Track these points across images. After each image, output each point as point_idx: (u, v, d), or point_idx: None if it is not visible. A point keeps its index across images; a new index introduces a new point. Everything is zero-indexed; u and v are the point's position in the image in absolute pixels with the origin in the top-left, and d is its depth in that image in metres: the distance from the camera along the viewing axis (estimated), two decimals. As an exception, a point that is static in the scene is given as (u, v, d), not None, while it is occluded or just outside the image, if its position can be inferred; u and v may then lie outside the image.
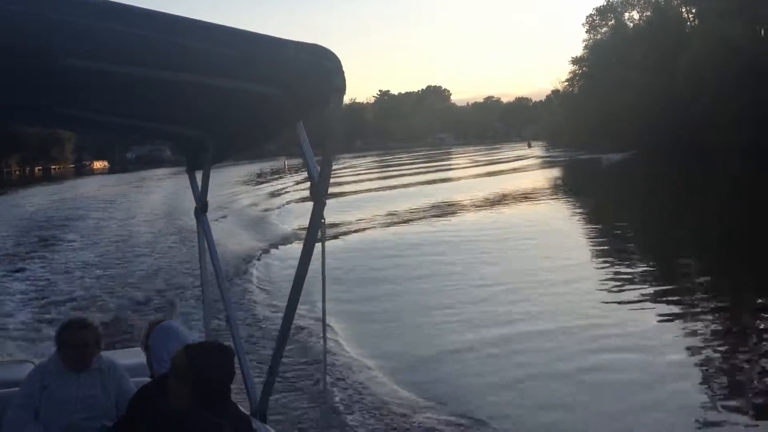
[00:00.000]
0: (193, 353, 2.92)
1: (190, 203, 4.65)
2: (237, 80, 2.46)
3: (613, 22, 77.07)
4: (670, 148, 51.92)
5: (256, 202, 33.69)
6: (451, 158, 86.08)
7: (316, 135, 2.62)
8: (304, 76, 2.33)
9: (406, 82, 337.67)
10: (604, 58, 72.59)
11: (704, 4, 52.51)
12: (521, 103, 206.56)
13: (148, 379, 3.81)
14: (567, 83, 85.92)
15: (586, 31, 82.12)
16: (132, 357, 4.83)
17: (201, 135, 3.96)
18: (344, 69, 2.31)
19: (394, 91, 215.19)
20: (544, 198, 30.02)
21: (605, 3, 79.15)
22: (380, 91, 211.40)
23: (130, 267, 16.12)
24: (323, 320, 3.52)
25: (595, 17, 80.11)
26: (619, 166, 49.87)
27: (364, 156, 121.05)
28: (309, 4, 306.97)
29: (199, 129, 3.88)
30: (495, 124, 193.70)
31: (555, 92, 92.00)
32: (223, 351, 2.99)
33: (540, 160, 65.86)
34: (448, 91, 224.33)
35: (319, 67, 2.29)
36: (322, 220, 2.72)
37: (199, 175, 4.51)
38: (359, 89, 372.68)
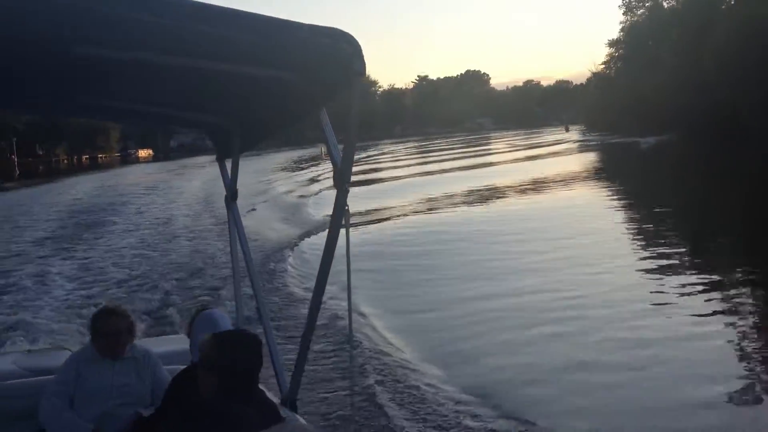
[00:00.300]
0: (219, 342, 2.92)
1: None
2: (256, 66, 2.45)
3: (650, 3, 75.25)
4: (702, 130, 50.87)
5: (293, 189, 33.95)
6: (490, 143, 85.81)
7: (341, 119, 2.53)
8: (323, 60, 2.30)
9: (444, 66, 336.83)
10: (639, 40, 71.02)
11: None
12: (561, 86, 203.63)
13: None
14: (603, 66, 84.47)
15: (623, 13, 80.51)
16: (173, 344, 4.84)
17: (227, 122, 3.95)
18: (364, 52, 2.27)
19: (433, 77, 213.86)
20: (581, 183, 29.50)
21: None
22: (419, 76, 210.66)
23: (171, 254, 16.20)
24: (349, 308, 3.83)
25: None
26: (654, 150, 49.25)
27: (403, 142, 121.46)
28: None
29: (224, 116, 3.87)
30: (534, 108, 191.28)
31: (594, 75, 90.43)
32: (251, 339, 2.98)
33: (577, 144, 65.15)
34: (488, 75, 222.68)
35: (337, 51, 2.25)
36: (346, 207, 2.70)
37: (229, 163, 4.48)
38: (398, 75, 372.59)
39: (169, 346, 4.78)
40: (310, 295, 10.39)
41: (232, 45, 2.22)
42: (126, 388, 3.81)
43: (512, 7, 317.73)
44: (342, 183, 2.60)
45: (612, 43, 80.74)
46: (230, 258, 5.03)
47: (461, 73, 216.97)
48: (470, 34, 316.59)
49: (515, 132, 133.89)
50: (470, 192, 26.68)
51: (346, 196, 2.66)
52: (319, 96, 2.66)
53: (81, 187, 40.12)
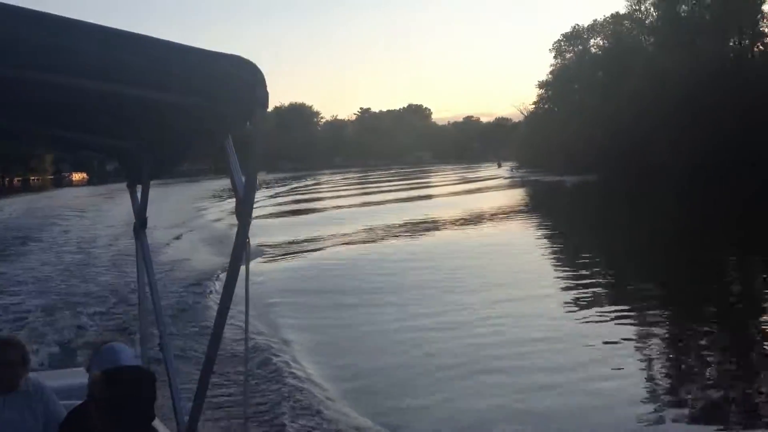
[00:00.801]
0: (108, 378, 2.92)
1: (153, 214, 4.63)
2: (158, 91, 2.41)
3: (579, 48, 79.63)
4: (621, 170, 54.43)
5: (221, 217, 34.36)
6: (426, 176, 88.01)
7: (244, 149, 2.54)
8: (225, 88, 2.27)
9: (387, 100, 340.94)
10: (566, 83, 75.07)
11: (658, 36, 55.12)
12: (500, 123, 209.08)
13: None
14: (533, 106, 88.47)
15: (554, 56, 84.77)
16: (73, 378, 4.61)
17: (135, 147, 3.85)
18: (266, 81, 2.23)
19: (376, 109, 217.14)
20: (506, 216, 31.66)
21: (571, 29, 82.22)
22: (361, 108, 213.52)
23: (88, 281, 16.13)
24: (245, 345, 3.65)
25: (562, 42, 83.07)
26: (575, 188, 52.49)
27: (341, 172, 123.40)
28: (287, 22, 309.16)
29: (132, 141, 3.77)
30: (474, 143, 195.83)
31: (522, 114, 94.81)
32: (142, 376, 3.02)
33: (500, 180, 68.08)
34: (429, 109, 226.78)
35: (239, 80, 2.21)
36: (247, 240, 2.61)
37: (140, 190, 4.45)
38: (341, 107, 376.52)
39: (68, 380, 4.62)
40: (233, 324, 10.81)
41: (134, 69, 2.19)
42: (16, 423, 3.61)
43: (457, 44, 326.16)
44: (244, 215, 2.53)
45: (541, 85, 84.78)
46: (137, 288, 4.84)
47: (404, 107, 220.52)
48: (414, 69, 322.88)
49: (453, 166, 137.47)
50: (393, 225, 27.77)
51: (248, 229, 2.57)
52: (222, 124, 2.59)
53: (7, 209, 40.25)
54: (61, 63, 2.18)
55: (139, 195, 4.43)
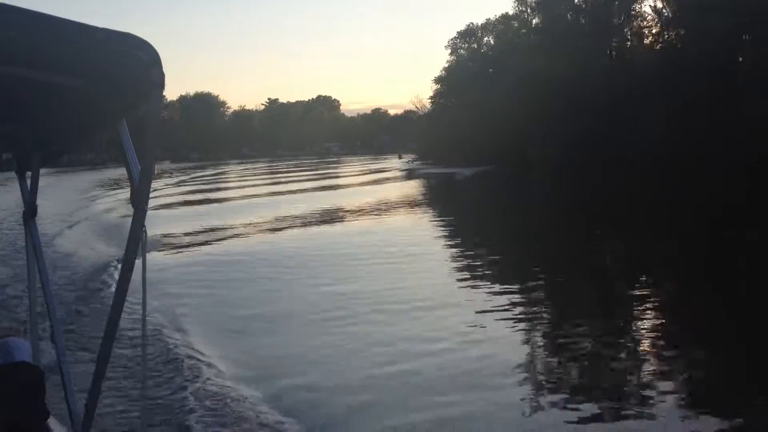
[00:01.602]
0: None
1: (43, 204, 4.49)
2: (45, 71, 2.26)
3: (475, 45, 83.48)
4: (508, 162, 58.40)
5: (115, 207, 34.66)
6: (329, 168, 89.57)
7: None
8: (117, 69, 2.15)
9: (297, 91, 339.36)
10: (460, 79, 78.64)
11: (536, 38, 59.50)
12: (408, 116, 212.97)
13: None
14: (430, 101, 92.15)
15: (449, 54, 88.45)
16: None
17: (24, 132, 3.66)
18: (162, 62, 2.10)
19: (285, 100, 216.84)
20: (398, 208, 32.95)
21: (466, 27, 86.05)
22: (269, 99, 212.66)
23: None
24: (143, 338, 3.70)
25: (457, 40, 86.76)
26: (468, 180, 55.77)
27: (248, 162, 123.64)
28: (194, 10, 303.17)
29: (20, 125, 3.55)
30: (382, 135, 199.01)
31: (417, 108, 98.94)
32: (25, 373, 3.01)
33: (401, 173, 70.40)
34: (338, 101, 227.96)
35: (133, 60, 2.08)
36: (143, 229, 2.49)
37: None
38: (249, 97, 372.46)
39: None
40: (128, 323, 9.70)
41: (18, 47, 2.01)
42: None
43: (368, 36, 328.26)
44: (139, 203, 2.41)
45: (437, 80, 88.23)
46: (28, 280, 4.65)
47: (313, 98, 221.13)
48: (325, 60, 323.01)
49: (359, 157, 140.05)
50: (292, 216, 28.20)
51: (144, 217, 2.46)
52: (115, 107, 2.49)
53: None
54: None
55: (29, 182, 4.25)
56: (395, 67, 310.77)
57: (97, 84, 2.30)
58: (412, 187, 48.30)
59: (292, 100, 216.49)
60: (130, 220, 2.46)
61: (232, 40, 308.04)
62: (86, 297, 12.83)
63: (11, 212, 25.79)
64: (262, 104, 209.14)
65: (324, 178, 61.80)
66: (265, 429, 6.92)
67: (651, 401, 7.65)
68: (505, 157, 59.17)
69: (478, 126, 63.94)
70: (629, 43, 52.11)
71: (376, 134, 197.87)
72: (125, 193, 41.86)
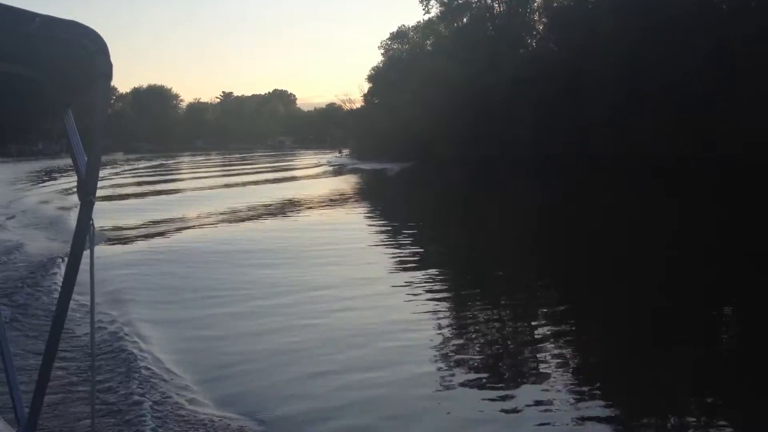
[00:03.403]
0: None
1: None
2: None
3: (407, 47, 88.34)
4: (429, 158, 63.52)
5: (51, 198, 33.90)
6: (255, 162, 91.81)
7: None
8: (62, 57, 2.11)
9: (253, 85, 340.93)
10: (383, 80, 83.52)
11: (436, 44, 65.05)
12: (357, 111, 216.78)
13: None
14: (363, 97, 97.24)
15: (382, 54, 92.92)
16: None
17: None
18: (109, 51, 2.06)
19: (241, 93, 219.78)
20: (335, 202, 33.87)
21: (397, 29, 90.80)
22: (223, 92, 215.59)
23: None
24: (92, 334, 3.41)
25: (388, 42, 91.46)
26: (397, 174, 59.44)
27: (200, 155, 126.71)
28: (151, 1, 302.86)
29: None
30: (333, 129, 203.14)
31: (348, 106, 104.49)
32: None
33: (331, 167, 73.88)
34: (294, 95, 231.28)
35: (78, 48, 2.03)
36: (91, 222, 2.41)
37: None
38: (204, 89, 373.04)
39: None
40: (76, 314, 9.70)
41: None
42: None
43: (325, 33, 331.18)
44: (87, 195, 2.34)
45: (370, 78, 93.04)
46: None
47: (269, 92, 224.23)
48: (282, 55, 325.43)
49: (311, 151, 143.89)
50: (233, 210, 28.28)
51: (91, 209, 2.38)
52: (60, 96, 2.44)
53: None
54: None
55: None
56: (356, 61, 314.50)
57: (40, 72, 2.25)
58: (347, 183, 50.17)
59: (249, 94, 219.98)
60: (68, 212, 3.78)
61: (188, 34, 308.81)
62: (30, 293, 12.34)
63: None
64: (217, 97, 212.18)
65: (256, 173, 63.26)
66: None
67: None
68: (422, 154, 64.45)
69: (399, 124, 68.92)
70: (504, 51, 57.44)
71: (329, 129, 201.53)
72: (63, 185, 42.49)
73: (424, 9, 74.45)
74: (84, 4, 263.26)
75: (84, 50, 2.04)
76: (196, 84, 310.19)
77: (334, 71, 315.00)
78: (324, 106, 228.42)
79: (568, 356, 9.34)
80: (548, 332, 10.32)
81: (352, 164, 76.53)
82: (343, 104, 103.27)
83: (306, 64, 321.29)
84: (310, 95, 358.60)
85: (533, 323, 11.19)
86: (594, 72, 43.37)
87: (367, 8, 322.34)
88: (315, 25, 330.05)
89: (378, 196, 39.93)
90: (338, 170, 66.59)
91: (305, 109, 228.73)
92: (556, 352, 9.31)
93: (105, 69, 2.06)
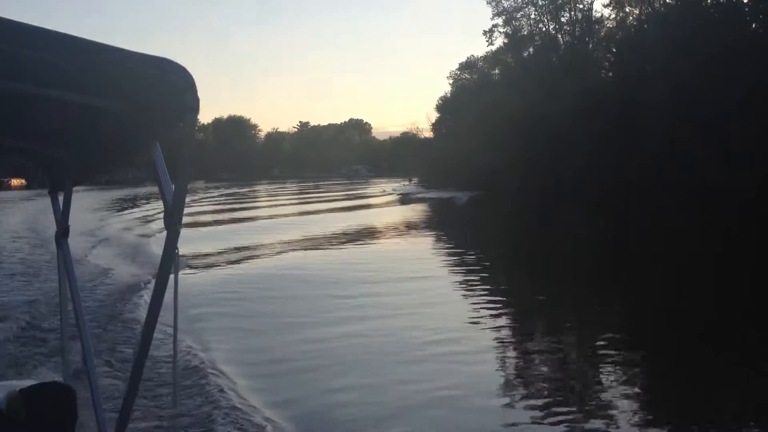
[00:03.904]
0: (29, 396, 2.94)
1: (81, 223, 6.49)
2: (80, 93, 2.28)
3: (476, 77, 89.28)
4: (498, 188, 64.02)
5: (132, 226, 35.42)
6: (343, 189, 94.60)
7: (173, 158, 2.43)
8: (153, 92, 2.20)
9: (330, 114, 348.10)
10: (456, 108, 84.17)
11: (501, 76, 66.05)
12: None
13: None
14: (432, 127, 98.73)
15: (450, 84, 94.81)
16: None
17: (58, 152, 3.71)
18: (197, 87, 2.16)
19: (318, 123, 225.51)
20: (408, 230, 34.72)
21: (466, 60, 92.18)
22: (300, 122, 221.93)
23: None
24: (174, 360, 3.44)
25: (457, 72, 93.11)
26: (466, 204, 59.83)
27: (278, 183, 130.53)
28: (231, 35, 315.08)
29: (54, 146, 3.61)
30: (407, 158, 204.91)
31: (422, 135, 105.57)
32: (59, 393, 3.09)
33: (397, 196, 74.42)
34: (370, 124, 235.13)
35: (168, 83, 2.15)
36: (176, 250, 2.53)
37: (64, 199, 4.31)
38: (282, 119, 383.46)
39: None
40: (157, 335, 13.13)
41: (54, 69, 2.07)
42: None
43: (401, 61, 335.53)
44: (173, 224, 2.43)
45: (438, 107, 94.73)
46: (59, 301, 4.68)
47: (345, 121, 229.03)
48: (358, 85, 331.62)
49: (384, 179, 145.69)
50: (316, 237, 28.91)
51: (177, 238, 2.49)
52: (150, 131, 2.53)
53: None
54: None
55: (61, 202, 4.34)
56: (432, 90, 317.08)
57: (132, 107, 2.34)
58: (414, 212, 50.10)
59: (324, 123, 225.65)
60: (148, 240, 4.30)
61: (267, 66, 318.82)
62: (116, 316, 12.87)
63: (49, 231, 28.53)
64: (294, 127, 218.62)
65: (327, 201, 63.97)
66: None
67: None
68: (485, 183, 65.08)
69: (463, 153, 70.02)
70: (564, 82, 57.43)
71: (403, 157, 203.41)
72: (143, 212, 44.94)
73: (487, 41, 75.65)
74: (172, 42, 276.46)
75: (173, 86, 2.15)
76: (274, 114, 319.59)
77: (411, 99, 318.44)
78: (399, 134, 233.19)
79: (643, 406, 8.88)
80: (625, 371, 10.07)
81: (417, 193, 77.34)
82: (417, 133, 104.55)
83: (382, 93, 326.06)
84: (386, 123, 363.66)
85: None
86: (648, 102, 43.76)
87: (443, 38, 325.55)
88: (392, 55, 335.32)
89: (450, 225, 40.47)
90: (403, 199, 67.01)
91: (380, 137, 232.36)
92: (627, 392, 9.10)
93: (193, 104, 2.18)
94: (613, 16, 62.36)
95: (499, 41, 74.58)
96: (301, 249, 25.35)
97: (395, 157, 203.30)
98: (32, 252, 23.06)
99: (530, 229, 35.94)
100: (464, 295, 16.14)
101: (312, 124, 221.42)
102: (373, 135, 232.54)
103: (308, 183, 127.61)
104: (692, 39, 41.55)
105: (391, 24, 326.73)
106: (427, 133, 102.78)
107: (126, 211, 48.90)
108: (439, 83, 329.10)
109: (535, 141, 55.26)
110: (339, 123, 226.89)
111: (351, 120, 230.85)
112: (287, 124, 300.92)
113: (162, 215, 2.43)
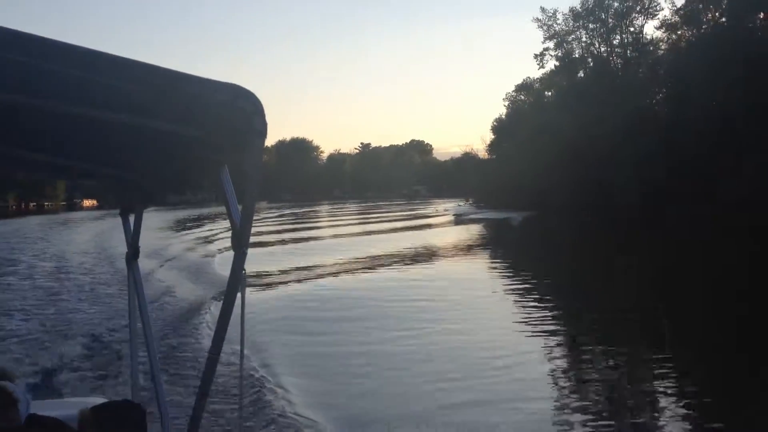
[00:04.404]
0: (100, 414, 3.05)
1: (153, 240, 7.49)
2: (152, 118, 2.37)
3: (532, 98, 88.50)
4: (552, 207, 63.79)
5: (195, 246, 35.93)
6: (401, 209, 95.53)
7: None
8: (222, 118, 2.25)
9: (391, 135, 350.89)
10: (509, 130, 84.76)
11: (554, 98, 66.06)
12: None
13: None
14: (487, 148, 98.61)
15: (505, 106, 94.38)
16: (60, 409, 4.08)
17: (129, 175, 3.85)
18: (265, 111, 2.21)
19: (378, 144, 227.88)
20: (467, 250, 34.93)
21: (522, 81, 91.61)
22: (362, 143, 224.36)
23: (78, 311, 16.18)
24: (240, 375, 3.63)
25: (513, 93, 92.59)
26: (521, 223, 59.68)
27: (339, 203, 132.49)
28: (292, 59, 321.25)
29: (125, 169, 3.76)
30: (469, 177, 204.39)
31: (476, 155, 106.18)
32: (132, 410, 3.19)
33: (452, 216, 74.15)
34: (430, 145, 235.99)
35: (237, 109, 2.19)
36: (243, 271, 2.57)
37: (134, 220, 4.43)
38: (343, 141, 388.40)
39: (55, 411, 3.87)
40: (226, 361, 9.71)
41: (129, 97, 2.19)
42: None
43: (464, 81, 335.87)
44: (240, 246, 2.49)
45: (493, 129, 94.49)
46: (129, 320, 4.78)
47: (406, 142, 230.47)
48: (419, 106, 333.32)
49: (442, 200, 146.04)
50: (381, 255, 29.27)
51: (244, 259, 2.54)
52: (219, 154, 2.58)
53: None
54: (53, 88, 2.16)
55: (132, 224, 4.44)
56: (488, 112, 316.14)
57: (202, 132, 2.39)
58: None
59: (386, 145, 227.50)
60: (210, 260, 4.55)
61: (330, 90, 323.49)
62: (183, 334, 13.15)
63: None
64: (356, 148, 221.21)
65: (384, 221, 64.16)
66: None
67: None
68: (536, 203, 65.52)
69: (515, 174, 70.42)
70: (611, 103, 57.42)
71: (462, 177, 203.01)
72: (205, 232, 46.05)
73: (538, 64, 75.60)
74: (240, 70, 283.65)
75: (242, 111, 2.19)
76: (335, 135, 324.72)
77: (472, 120, 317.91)
78: (460, 155, 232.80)
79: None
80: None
81: (471, 213, 77.64)
82: (475, 153, 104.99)
83: (444, 114, 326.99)
84: (448, 144, 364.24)
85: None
86: (690, 121, 43.97)
87: (506, 59, 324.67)
88: (455, 75, 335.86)
89: (505, 246, 40.49)
90: (458, 219, 66.91)
91: (441, 158, 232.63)
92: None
93: (261, 128, 2.22)
94: (665, 38, 62.76)
95: (551, 64, 75.30)
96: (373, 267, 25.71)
97: (455, 177, 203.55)
98: (101, 269, 23.64)
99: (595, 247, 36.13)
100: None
101: (373, 145, 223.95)
102: (434, 155, 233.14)
103: (368, 203, 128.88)
104: (733, 62, 41.66)
105: (452, 44, 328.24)
106: (482, 155, 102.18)
107: (190, 231, 50.32)
108: (499, 105, 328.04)
109: (580, 161, 55.97)
110: (400, 144, 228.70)
111: (412, 141, 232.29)
112: (349, 145, 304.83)
113: (229, 235, 2.50)
